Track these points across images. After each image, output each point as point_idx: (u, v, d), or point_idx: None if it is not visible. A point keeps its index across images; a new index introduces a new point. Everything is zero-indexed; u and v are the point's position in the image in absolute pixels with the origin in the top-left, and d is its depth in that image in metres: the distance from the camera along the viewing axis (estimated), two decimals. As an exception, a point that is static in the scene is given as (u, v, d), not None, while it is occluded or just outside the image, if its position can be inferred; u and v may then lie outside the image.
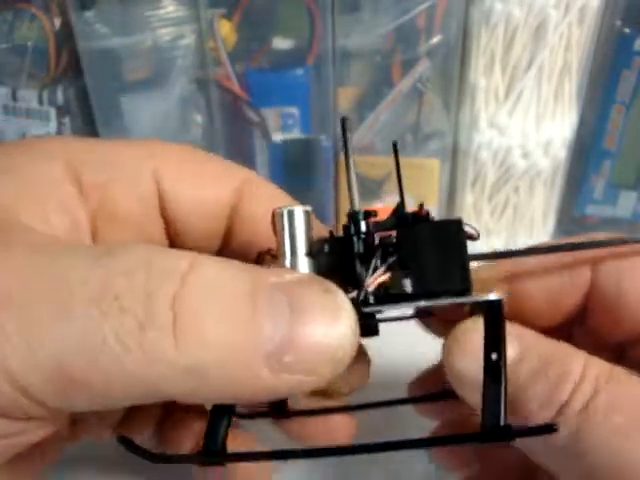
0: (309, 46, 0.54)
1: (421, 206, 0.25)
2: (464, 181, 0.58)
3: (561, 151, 0.56)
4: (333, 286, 0.21)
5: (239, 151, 0.57)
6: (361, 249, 0.23)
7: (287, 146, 0.56)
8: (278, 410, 0.31)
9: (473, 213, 0.59)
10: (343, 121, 0.24)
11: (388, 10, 0.52)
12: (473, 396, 0.23)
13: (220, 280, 0.20)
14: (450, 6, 0.51)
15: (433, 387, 0.33)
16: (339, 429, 0.31)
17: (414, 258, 0.23)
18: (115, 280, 0.19)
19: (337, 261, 0.23)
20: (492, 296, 0.23)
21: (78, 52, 0.54)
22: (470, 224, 0.24)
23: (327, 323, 0.20)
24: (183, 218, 0.29)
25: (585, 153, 0.58)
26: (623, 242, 0.26)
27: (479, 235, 0.24)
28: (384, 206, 0.57)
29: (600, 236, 0.27)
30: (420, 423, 0.34)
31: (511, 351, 0.23)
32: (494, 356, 0.22)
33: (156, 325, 0.19)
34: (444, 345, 0.24)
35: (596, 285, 0.27)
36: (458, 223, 0.23)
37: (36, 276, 0.19)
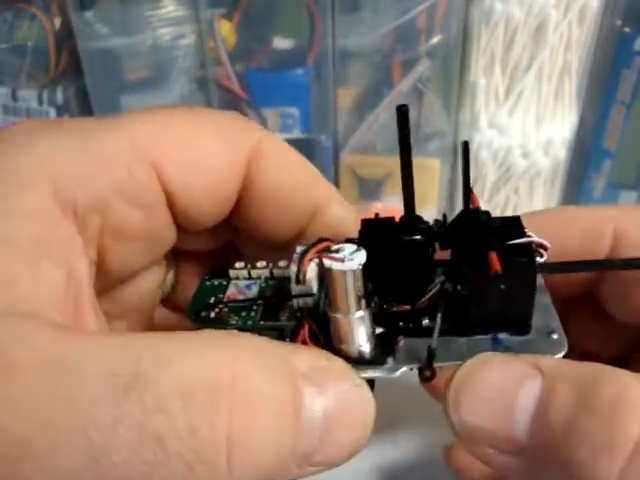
0: (309, 46, 0.54)
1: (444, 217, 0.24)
2: (464, 181, 0.58)
3: (561, 151, 0.56)
4: (360, 380, 0.21)
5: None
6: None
7: (287, 146, 0.56)
8: None
9: (473, 213, 0.59)
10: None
11: (388, 10, 0.52)
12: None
13: (264, 392, 0.19)
14: (450, 6, 0.51)
15: None
16: None
17: (477, 284, 0.21)
18: (152, 420, 0.17)
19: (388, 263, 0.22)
20: None
21: (78, 52, 0.54)
22: (540, 242, 0.22)
23: (354, 428, 0.21)
24: (191, 205, 0.26)
25: (585, 153, 0.58)
26: None
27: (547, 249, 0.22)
28: (384, 206, 0.57)
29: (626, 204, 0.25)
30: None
31: (533, 387, 0.20)
32: None
33: (206, 461, 0.18)
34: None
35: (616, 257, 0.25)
36: (532, 263, 0.21)
37: (56, 415, 0.17)
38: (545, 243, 0.22)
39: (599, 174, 0.58)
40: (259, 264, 0.26)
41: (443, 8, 0.51)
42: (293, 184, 0.27)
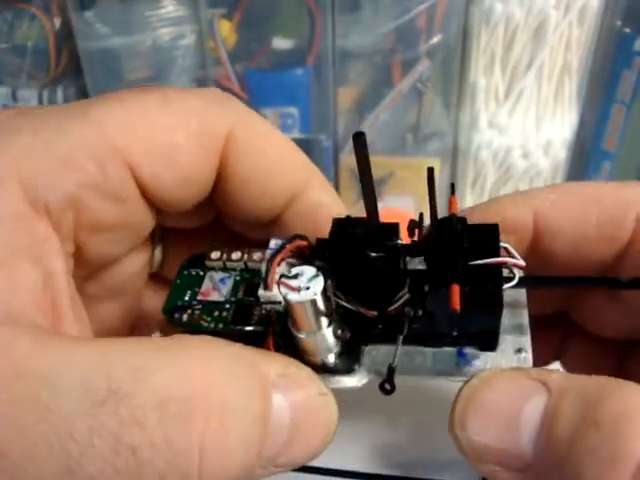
0: (309, 46, 0.54)
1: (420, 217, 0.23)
2: (464, 181, 0.58)
3: (561, 151, 0.56)
4: (325, 389, 0.22)
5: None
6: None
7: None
8: None
9: (473, 213, 0.59)
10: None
11: (388, 10, 0.52)
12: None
13: (236, 402, 0.19)
14: (450, 6, 0.51)
15: None
16: None
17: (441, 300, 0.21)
18: (127, 431, 0.17)
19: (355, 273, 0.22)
20: None
21: (78, 52, 0.54)
22: (513, 262, 0.21)
23: (317, 434, 0.22)
24: (165, 193, 0.25)
25: (585, 154, 0.58)
26: None
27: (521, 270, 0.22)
28: (384, 206, 0.57)
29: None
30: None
31: (538, 402, 0.20)
32: None
33: (178, 470, 0.18)
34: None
35: (637, 241, 0.24)
36: (499, 278, 0.21)
37: (31, 425, 0.17)
38: (519, 262, 0.21)
39: (599, 175, 0.58)
40: (234, 255, 0.26)
41: (443, 8, 0.51)
42: (269, 168, 0.27)
